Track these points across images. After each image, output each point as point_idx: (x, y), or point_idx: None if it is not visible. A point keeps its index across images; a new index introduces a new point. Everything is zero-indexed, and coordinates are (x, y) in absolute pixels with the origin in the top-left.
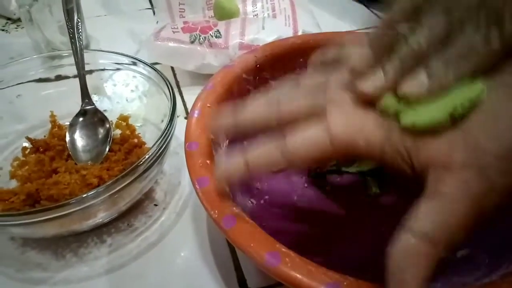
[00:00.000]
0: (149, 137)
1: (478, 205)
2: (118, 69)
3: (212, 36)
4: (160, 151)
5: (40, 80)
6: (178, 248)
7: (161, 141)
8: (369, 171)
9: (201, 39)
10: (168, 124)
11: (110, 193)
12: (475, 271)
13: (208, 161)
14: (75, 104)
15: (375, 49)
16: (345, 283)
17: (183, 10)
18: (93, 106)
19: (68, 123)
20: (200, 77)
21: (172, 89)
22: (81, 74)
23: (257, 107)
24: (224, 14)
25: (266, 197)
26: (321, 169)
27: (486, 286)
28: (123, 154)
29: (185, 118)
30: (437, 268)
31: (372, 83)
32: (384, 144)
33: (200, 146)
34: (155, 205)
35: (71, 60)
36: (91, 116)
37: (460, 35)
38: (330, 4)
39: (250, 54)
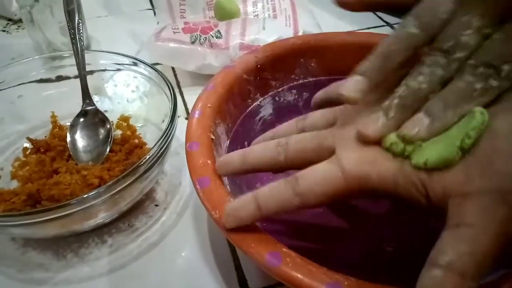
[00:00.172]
0: (150, 137)
1: (503, 229)
2: (119, 69)
3: (212, 37)
4: (161, 151)
5: (41, 81)
6: (179, 248)
7: (162, 141)
8: None
9: (202, 39)
10: (169, 125)
11: (111, 193)
12: None
13: (209, 161)
14: (76, 105)
15: (374, 81)
16: (346, 283)
17: (184, 11)
18: (94, 107)
19: (69, 124)
20: (201, 78)
21: (173, 90)
22: (82, 75)
23: (265, 148)
24: (225, 14)
25: None
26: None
27: (486, 286)
28: (124, 155)
29: (186, 118)
30: None
31: (373, 127)
32: (398, 176)
33: (201, 147)
34: (156, 205)
35: (72, 60)
36: (92, 117)
37: (459, 76)
38: (330, 4)
39: (250, 55)
